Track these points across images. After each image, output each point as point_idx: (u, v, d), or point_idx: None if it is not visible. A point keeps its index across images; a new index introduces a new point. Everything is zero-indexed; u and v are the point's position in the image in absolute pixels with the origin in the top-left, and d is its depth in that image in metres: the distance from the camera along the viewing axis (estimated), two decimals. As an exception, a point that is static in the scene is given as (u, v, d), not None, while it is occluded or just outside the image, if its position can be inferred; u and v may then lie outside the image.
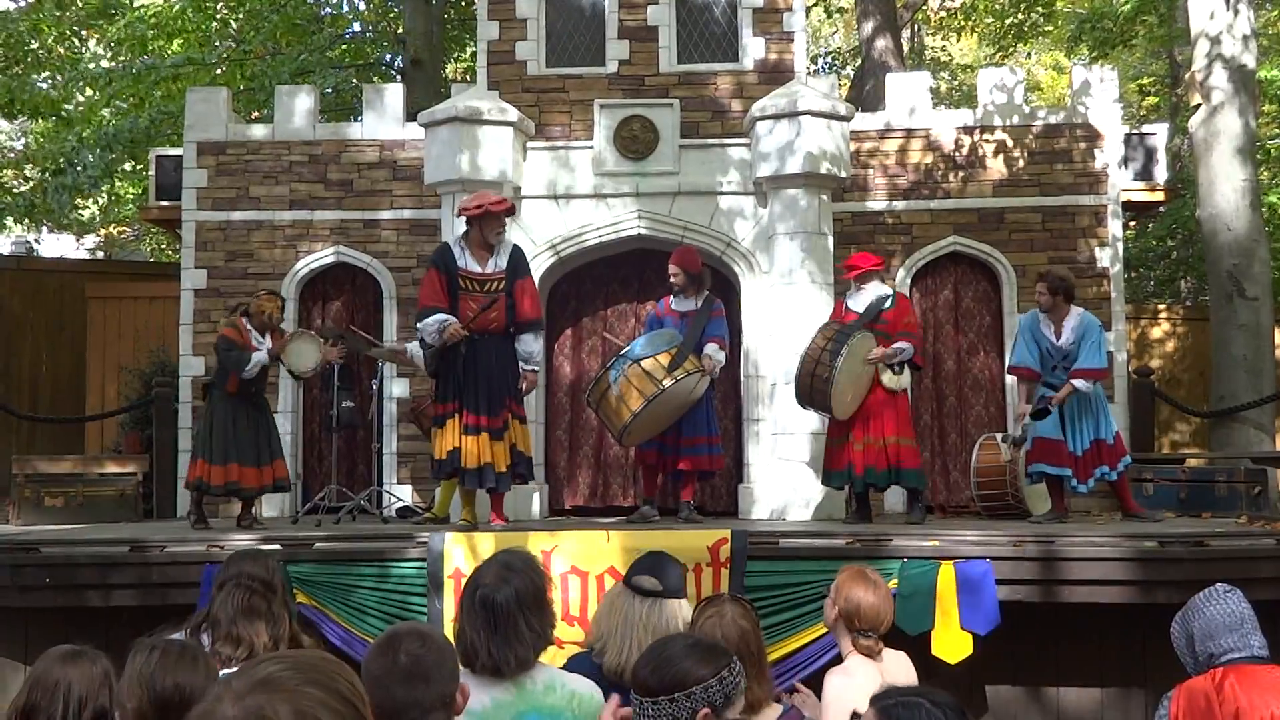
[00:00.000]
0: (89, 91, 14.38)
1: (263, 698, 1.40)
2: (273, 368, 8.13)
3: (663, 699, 2.55)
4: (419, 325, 7.13)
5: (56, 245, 24.09)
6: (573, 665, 3.44)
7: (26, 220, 12.96)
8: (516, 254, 7.29)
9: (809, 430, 8.62)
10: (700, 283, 8.11)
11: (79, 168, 12.47)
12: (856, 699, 2.58)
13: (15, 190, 12.78)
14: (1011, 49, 19.37)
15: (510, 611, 2.93)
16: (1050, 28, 18.36)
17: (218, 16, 16.10)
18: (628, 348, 7.70)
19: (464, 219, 7.26)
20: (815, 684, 3.99)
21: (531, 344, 7.25)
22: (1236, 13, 10.38)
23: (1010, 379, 9.33)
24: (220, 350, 7.81)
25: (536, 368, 7.38)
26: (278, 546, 6.47)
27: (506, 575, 3.01)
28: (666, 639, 2.78)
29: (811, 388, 7.62)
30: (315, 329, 9.86)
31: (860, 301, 7.94)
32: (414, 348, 8.51)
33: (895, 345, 7.62)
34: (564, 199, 9.36)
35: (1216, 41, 10.40)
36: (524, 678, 2.95)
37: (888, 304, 7.81)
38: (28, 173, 14.62)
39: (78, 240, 23.73)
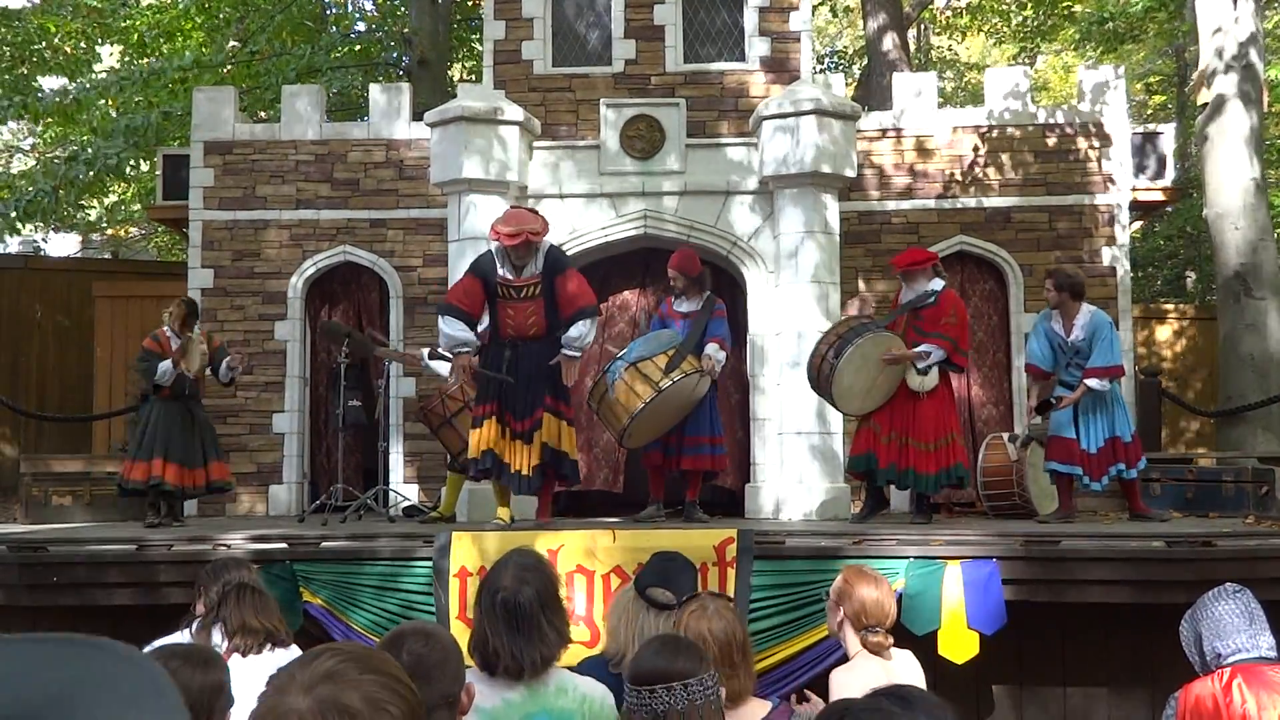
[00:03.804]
0: (101, 102, 14.40)
1: (332, 688, 1.45)
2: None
3: (663, 688, 2.63)
4: (441, 324, 7.06)
5: (63, 245, 24.14)
6: (585, 669, 3.44)
7: (38, 220, 12.95)
8: (552, 254, 7.13)
9: (816, 429, 8.62)
10: (700, 284, 8.09)
11: (92, 153, 12.51)
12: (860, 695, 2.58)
13: (35, 187, 12.76)
14: (1036, 50, 19.32)
15: (533, 612, 2.93)
16: (1069, 29, 18.29)
17: (220, 15, 16.11)
18: (625, 350, 7.69)
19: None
20: (821, 685, 3.99)
21: (581, 329, 6.96)
22: (1250, 17, 10.35)
23: (1022, 378, 9.34)
24: (138, 361, 8.27)
25: (576, 353, 7.04)
26: (284, 545, 6.49)
27: (525, 576, 3.01)
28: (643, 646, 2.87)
29: (818, 382, 7.62)
30: (322, 327, 9.89)
31: (906, 296, 7.89)
32: (426, 353, 8.51)
33: (916, 349, 7.51)
34: (570, 198, 9.36)
35: (1225, 40, 10.37)
36: (535, 679, 2.94)
37: (929, 301, 7.64)
38: (41, 174, 14.66)
39: (83, 240, 23.77)
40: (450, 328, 6.96)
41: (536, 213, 7.41)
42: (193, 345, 8.23)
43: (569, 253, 9.29)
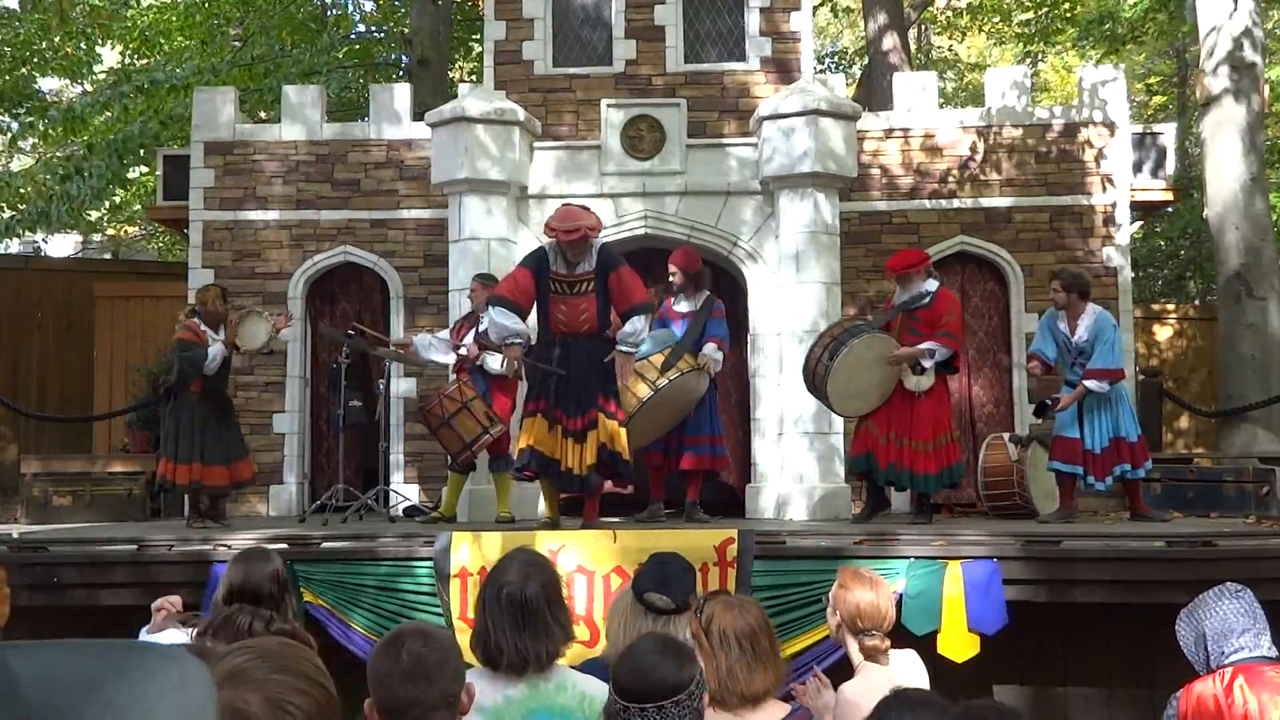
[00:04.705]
0: (106, 113, 14.37)
1: (231, 691, 1.43)
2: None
3: (650, 707, 2.54)
4: (493, 314, 7.04)
5: (63, 245, 24.14)
6: (584, 672, 3.44)
7: (37, 226, 12.90)
8: (605, 252, 7.14)
9: (816, 429, 8.62)
10: (699, 282, 8.10)
11: (86, 174, 12.48)
12: (869, 710, 2.56)
13: (28, 197, 12.77)
14: (1040, 53, 19.28)
15: (539, 607, 2.95)
16: (1070, 30, 18.29)
17: (219, 15, 16.09)
18: None
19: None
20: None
21: (636, 324, 7.03)
22: (1250, 16, 10.34)
23: (1023, 379, 9.34)
24: (179, 353, 7.88)
25: (631, 349, 7.12)
26: (284, 546, 6.49)
27: (530, 571, 3.02)
28: (633, 645, 2.75)
29: (813, 385, 7.62)
30: (321, 329, 9.88)
31: (900, 298, 7.88)
32: (420, 340, 8.46)
33: (919, 346, 7.47)
34: (571, 199, 9.34)
35: (1225, 40, 10.37)
36: (537, 676, 2.95)
37: (924, 301, 7.62)
38: (38, 181, 14.68)
39: (83, 240, 23.78)
40: (503, 318, 6.94)
41: (589, 210, 7.36)
42: (257, 320, 7.92)
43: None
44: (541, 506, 7.73)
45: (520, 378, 7.48)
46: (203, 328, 7.87)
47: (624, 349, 7.06)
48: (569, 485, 7.07)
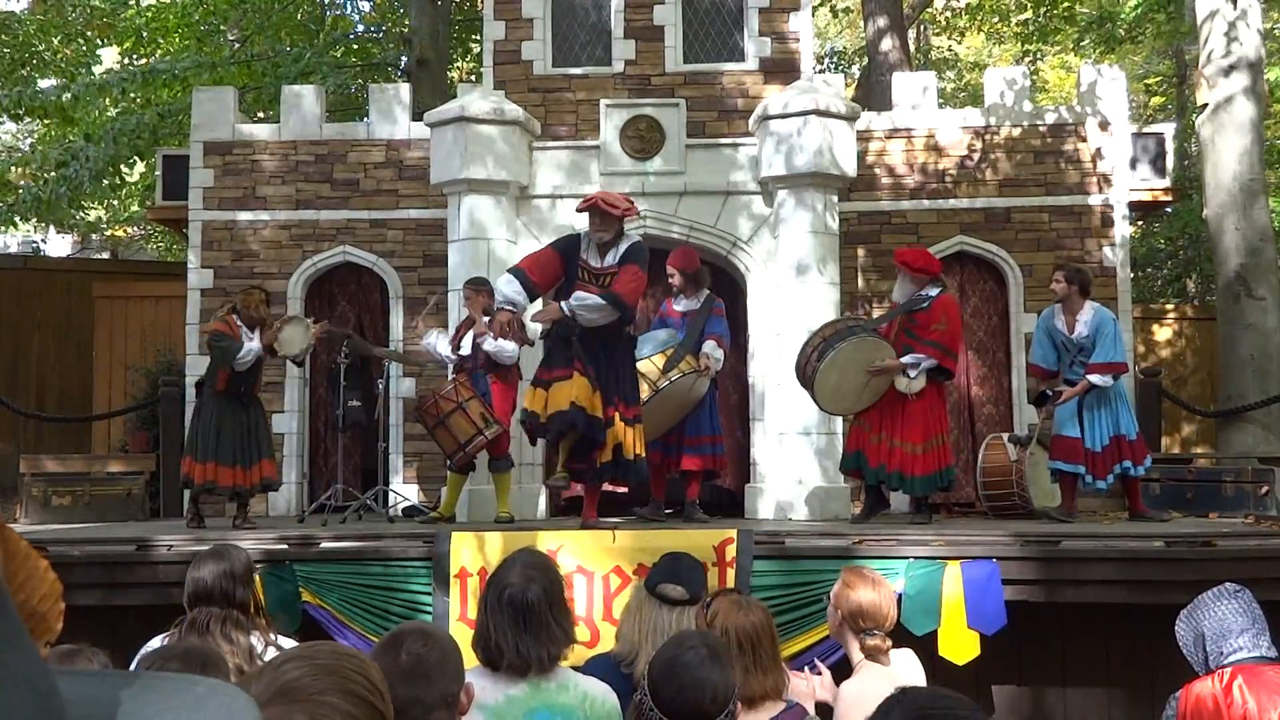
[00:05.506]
0: (102, 101, 14.36)
1: (280, 709, 1.43)
2: (266, 367, 8.11)
3: None
4: (499, 282, 7.01)
5: (61, 245, 24.15)
6: (591, 667, 3.43)
7: (34, 220, 12.91)
8: (632, 247, 6.97)
9: (815, 429, 8.62)
10: (698, 282, 8.09)
11: (83, 161, 12.45)
12: (870, 709, 2.56)
13: (23, 187, 12.78)
14: (1038, 52, 19.28)
15: (540, 610, 2.94)
16: (1071, 29, 18.29)
17: (216, 12, 16.10)
18: None
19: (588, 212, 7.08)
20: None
21: (594, 300, 6.73)
22: (1250, 16, 10.34)
23: (1022, 378, 9.33)
24: (214, 344, 7.77)
25: (567, 311, 6.76)
26: (284, 546, 6.49)
27: (532, 574, 3.01)
28: (676, 651, 2.71)
29: (803, 383, 7.63)
30: (323, 326, 9.88)
31: (899, 295, 7.83)
32: (429, 343, 8.42)
33: (904, 358, 7.43)
34: (570, 199, 9.35)
35: (1224, 39, 10.36)
36: (538, 677, 2.95)
37: (922, 305, 7.57)
38: (33, 171, 14.68)
39: (81, 240, 23.79)
40: (507, 287, 6.84)
41: (631, 201, 7.21)
42: (297, 326, 7.81)
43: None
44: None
45: (466, 387, 7.53)
46: (239, 323, 7.77)
47: (565, 304, 6.77)
48: (581, 427, 6.77)
